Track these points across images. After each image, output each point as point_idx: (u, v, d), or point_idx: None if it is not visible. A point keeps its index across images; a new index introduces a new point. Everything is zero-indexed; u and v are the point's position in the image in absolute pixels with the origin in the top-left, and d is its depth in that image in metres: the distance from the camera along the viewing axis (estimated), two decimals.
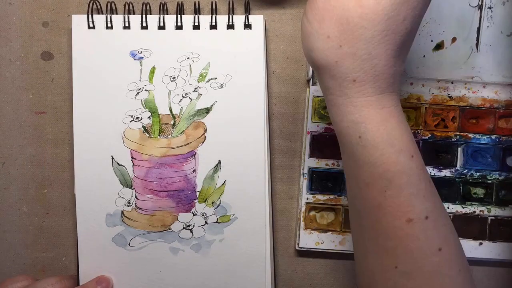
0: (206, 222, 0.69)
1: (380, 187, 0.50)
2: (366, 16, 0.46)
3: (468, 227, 0.72)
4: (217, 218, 0.69)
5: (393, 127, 0.50)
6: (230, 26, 0.69)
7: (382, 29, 0.47)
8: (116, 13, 0.70)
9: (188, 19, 0.69)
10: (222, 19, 0.69)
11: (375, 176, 0.50)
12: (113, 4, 0.70)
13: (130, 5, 0.70)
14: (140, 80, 0.69)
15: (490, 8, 0.70)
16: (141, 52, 0.69)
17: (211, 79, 0.69)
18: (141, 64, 0.69)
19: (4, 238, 0.73)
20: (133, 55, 0.69)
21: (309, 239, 0.71)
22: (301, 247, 0.71)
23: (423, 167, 0.52)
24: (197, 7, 0.70)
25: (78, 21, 0.69)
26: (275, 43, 0.72)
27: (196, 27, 0.69)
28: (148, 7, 0.70)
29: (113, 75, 0.69)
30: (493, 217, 0.71)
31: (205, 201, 0.69)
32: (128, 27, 0.69)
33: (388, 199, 0.50)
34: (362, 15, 0.46)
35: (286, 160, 0.72)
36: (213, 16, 0.69)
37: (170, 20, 0.69)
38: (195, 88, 0.69)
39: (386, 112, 0.50)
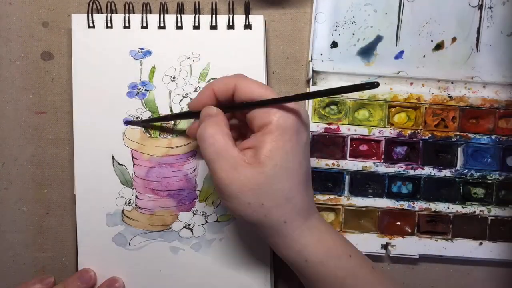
0: (206, 221, 0.69)
1: None
2: (271, 177, 0.55)
3: (468, 227, 0.72)
4: (217, 217, 0.69)
5: (326, 241, 0.59)
6: (230, 26, 0.69)
7: (286, 179, 0.56)
8: (116, 13, 0.70)
9: (188, 19, 0.69)
10: (222, 19, 0.69)
11: (330, 286, 0.58)
12: (113, 4, 0.70)
13: (130, 5, 0.70)
14: (140, 79, 0.69)
15: (490, 8, 0.70)
16: (141, 51, 0.69)
17: (212, 79, 0.69)
18: (141, 63, 0.69)
19: (4, 238, 0.73)
20: (133, 54, 0.69)
21: None
22: None
23: (363, 258, 0.61)
24: (197, 7, 0.70)
25: (78, 20, 0.69)
26: (275, 43, 0.72)
27: (196, 27, 0.69)
28: (148, 7, 0.70)
29: (113, 75, 0.69)
30: (493, 217, 0.72)
31: (205, 201, 0.69)
32: (128, 27, 0.69)
33: None
34: (267, 178, 0.55)
35: None
36: (213, 16, 0.69)
37: (170, 20, 0.69)
38: (196, 88, 0.69)
39: (317, 232, 0.59)
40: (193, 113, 0.63)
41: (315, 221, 0.59)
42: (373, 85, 0.48)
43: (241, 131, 0.64)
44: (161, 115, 0.69)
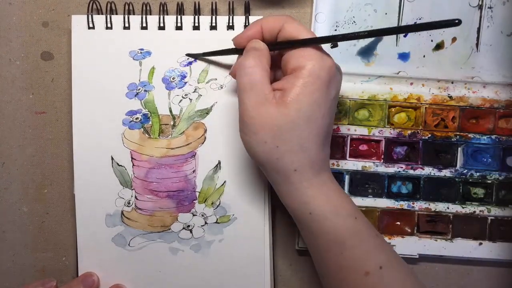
0: (205, 223, 0.69)
1: (337, 250, 0.58)
2: (291, 121, 0.55)
3: (468, 227, 0.72)
4: (217, 219, 0.69)
5: (334, 198, 0.59)
6: (230, 27, 0.69)
7: (307, 127, 0.56)
8: (116, 13, 0.70)
9: (188, 20, 0.69)
10: (222, 20, 0.69)
11: (330, 243, 0.58)
12: (113, 4, 0.70)
13: (130, 5, 0.70)
14: (139, 80, 0.69)
15: (490, 8, 0.70)
16: (141, 52, 0.69)
17: (211, 79, 0.69)
18: (140, 64, 0.69)
19: (4, 238, 0.73)
20: (132, 55, 0.69)
21: None
22: (301, 247, 0.72)
23: (368, 224, 0.60)
24: (197, 7, 0.69)
25: (78, 21, 0.69)
26: None
27: (196, 27, 0.69)
28: (148, 7, 0.70)
29: (112, 75, 0.69)
30: (493, 217, 0.72)
31: (205, 202, 0.69)
32: (128, 28, 0.69)
33: (345, 259, 0.58)
34: (288, 121, 0.55)
35: None
36: (213, 17, 0.69)
37: (170, 20, 0.69)
38: (195, 89, 0.69)
39: (326, 188, 0.59)
40: (236, 50, 0.63)
41: (325, 177, 0.59)
42: (454, 23, 0.48)
43: (276, 76, 0.64)
44: (160, 115, 0.69)
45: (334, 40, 0.57)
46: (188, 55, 0.69)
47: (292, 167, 0.57)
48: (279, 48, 0.60)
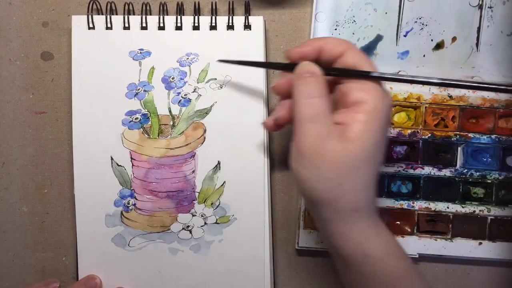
0: (205, 223, 0.69)
1: None
2: (356, 159, 0.53)
3: (468, 226, 0.72)
4: (216, 219, 0.69)
5: (387, 239, 0.57)
6: (230, 27, 0.69)
7: (369, 165, 0.54)
8: (116, 13, 0.70)
9: (188, 20, 0.69)
10: (222, 20, 0.69)
11: (383, 284, 0.55)
12: (113, 4, 0.70)
13: (130, 5, 0.70)
14: (139, 80, 0.69)
15: (490, 7, 0.70)
16: (141, 52, 0.69)
17: (211, 79, 0.69)
18: (140, 64, 0.69)
19: (4, 238, 0.73)
20: (132, 55, 0.69)
21: (309, 239, 0.71)
22: (301, 247, 0.72)
23: (415, 266, 0.58)
24: (197, 7, 0.70)
25: (78, 21, 0.69)
26: (275, 43, 0.72)
27: (196, 27, 0.69)
28: (148, 7, 0.70)
29: (112, 75, 0.69)
30: (492, 217, 0.71)
31: (204, 202, 0.69)
32: (128, 28, 0.69)
33: None
34: (353, 159, 0.53)
35: (286, 160, 0.72)
36: (213, 17, 0.69)
37: (170, 20, 0.69)
38: (195, 89, 0.69)
39: (379, 228, 0.57)
40: (286, 65, 0.60)
41: (377, 218, 0.57)
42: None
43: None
44: (160, 115, 0.69)
45: (398, 80, 0.57)
46: (221, 60, 0.67)
47: (353, 206, 0.54)
48: (337, 75, 0.57)
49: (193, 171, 0.69)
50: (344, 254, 0.56)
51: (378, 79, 0.55)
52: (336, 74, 0.57)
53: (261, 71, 0.69)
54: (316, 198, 0.55)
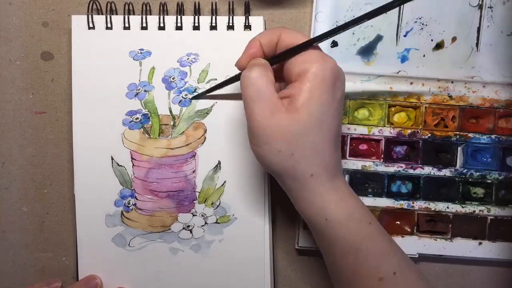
0: (205, 223, 0.69)
1: (352, 256, 0.57)
2: (304, 126, 0.55)
3: (468, 226, 0.72)
4: (217, 219, 0.69)
5: (349, 203, 0.58)
6: (230, 27, 0.69)
7: (319, 131, 0.56)
8: (116, 13, 0.70)
9: (188, 20, 0.69)
10: (222, 20, 0.69)
11: (346, 248, 0.57)
12: (113, 4, 0.70)
13: (130, 5, 0.70)
14: (139, 80, 0.69)
15: (490, 7, 0.70)
16: (141, 52, 0.69)
17: (211, 79, 0.69)
18: (140, 64, 0.69)
19: (4, 238, 0.73)
20: (132, 55, 0.69)
21: (309, 239, 0.71)
22: (301, 246, 0.72)
23: (381, 229, 0.60)
24: (197, 7, 0.69)
25: (78, 21, 0.69)
26: None
27: (196, 27, 0.69)
28: (148, 8, 0.70)
29: (112, 76, 0.69)
30: (492, 217, 0.72)
31: (205, 202, 0.69)
32: (128, 28, 0.69)
33: (360, 264, 0.57)
34: (301, 127, 0.55)
35: None
36: (213, 17, 0.69)
37: (170, 20, 0.69)
38: (195, 89, 0.69)
39: (341, 193, 0.58)
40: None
41: (340, 182, 0.59)
42: None
43: (280, 88, 0.62)
44: (160, 115, 0.69)
45: (327, 35, 0.57)
46: (193, 98, 0.69)
47: (309, 172, 0.56)
48: (279, 60, 0.59)
49: (193, 171, 0.69)
50: (308, 219, 0.59)
51: (310, 43, 0.57)
52: (279, 59, 0.60)
53: None
54: (274, 171, 0.58)
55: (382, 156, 0.71)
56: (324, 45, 0.70)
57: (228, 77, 0.65)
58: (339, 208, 0.57)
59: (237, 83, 0.63)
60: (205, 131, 0.69)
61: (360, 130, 0.71)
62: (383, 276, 0.56)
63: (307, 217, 0.59)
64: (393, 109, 0.71)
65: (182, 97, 0.69)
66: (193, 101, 0.69)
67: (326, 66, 0.56)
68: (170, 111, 0.69)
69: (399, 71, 0.71)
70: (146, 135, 0.69)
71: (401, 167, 0.71)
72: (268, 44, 0.59)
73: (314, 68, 0.55)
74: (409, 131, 0.71)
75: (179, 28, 0.69)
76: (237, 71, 0.62)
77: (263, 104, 0.55)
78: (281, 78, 0.61)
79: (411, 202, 0.71)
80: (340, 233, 0.57)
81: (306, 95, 0.55)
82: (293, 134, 0.55)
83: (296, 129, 0.55)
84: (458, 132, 0.71)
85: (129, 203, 0.69)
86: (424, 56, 0.71)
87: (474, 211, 0.72)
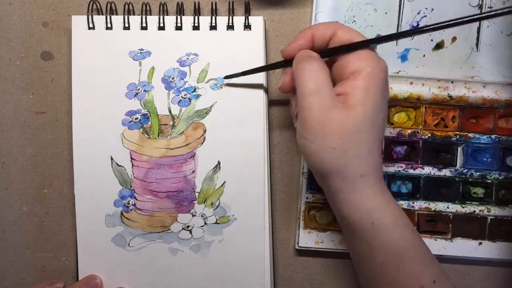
0: (205, 223, 0.69)
1: (394, 263, 0.56)
2: (359, 124, 0.54)
3: (468, 226, 0.72)
4: (216, 219, 0.69)
5: (394, 208, 0.57)
6: (230, 27, 0.69)
7: (372, 130, 0.55)
8: (116, 13, 0.70)
9: (188, 20, 0.69)
10: (222, 20, 0.69)
11: (389, 255, 0.56)
12: (113, 4, 0.70)
13: (130, 5, 0.70)
14: (139, 80, 0.69)
15: (490, 7, 0.70)
16: (141, 52, 0.69)
17: (211, 79, 0.69)
18: (140, 64, 0.69)
19: (4, 238, 0.73)
20: (132, 55, 0.69)
21: (308, 239, 0.71)
22: (301, 247, 0.72)
23: (420, 237, 0.59)
24: (197, 7, 0.70)
25: (78, 22, 0.69)
26: (275, 43, 0.72)
27: (196, 27, 0.69)
28: (148, 8, 0.70)
29: (112, 76, 0.69)
30: (492, 217, 0.72)
31: (204, 202, 0.69)
32: (128, 28, 0.69)
33: (402, 272, 0.56)
34: (356, 125, 0.54)
35: (286, 160, 0.72)
36: (213, 17, 0.69)
37: (170, 20, 0.69)
38: (195, 89, 0.69)
39: (386, 196, 0.57)
40: (286, 62, 0.62)
41: (384, 185, 0.58)
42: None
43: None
44: (159, 115, 0.69)
45: (389, 39, 0.57)
46: (227, 77, 0.69)
47: (360, 172, 0.55)
48: (333, 54, 0.59)
49: (193, 171, 0.69)
50: (352, 223, 0.57)
51: (369, 43, 0.57)
52: (331, 53, 0.59)
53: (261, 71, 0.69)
54: (324, 169, 0.56)
55: (382, 156, 0.71)
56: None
57: (271, 63, 0.65)
58: (386, 212, 0.56)
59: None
60: (205, 131, 0.69)
61: None
62: (424, 284, 0.56)
63: (351, 221, 0.57)
64: (393, 109, 0.71)
65: (182, 97, 0.69)
66: (193, 101, 0.69)
67: (380, 66, 0.56)
68: (170, 111, 0.69)
69: (399, 71, 0.71)
70: (146, 135, 0.69)
71: (401, 167, 0.71)
72: (321, 37, 0.59)
73: (370, 68, 0.55)
74: (409, 131, 0.71)
75: (179, 28, 0.69)
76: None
77: (322, 98, 0.54)
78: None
79: (411, 202, 0.71)
80: (385, 238, 0.56)
81: (362, 93, 0.54)
82: (349, 131, 0.54)
83: (351, 126, 0.54)
84: (458, 132, 0.71)
85: (128, 203, 0.69)
86: (424, 56, 0.71)
87: (474, 211, 0.71)
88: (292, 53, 0.60)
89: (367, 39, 0.57)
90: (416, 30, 0.57)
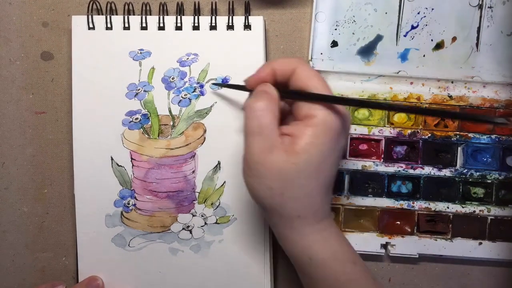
0: (205, 223, 0.69)
1: None
2: (299, 171, 0.54)
3: (468, 226, 0.72)
4: (217, 219, 0.69)
5: (334, 243, 0.58)
6: (230, 27, 0.69)
7: (315, 176, 0.55)
8: (116, 14, 0.70)
9: (188, 20, 0.69)
10: (222, 20, 0.69)
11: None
12: (113, 4, 0.70)
13: (130, 5, 0.70)
14: (139, 80, 0.69)
15: (490, 7, 0.70)
16: (141, 52, 0.69)
17: (211, 79, 0.69)
18: (140, 64, 0.69)
19: (4, 238, 0.73)
20: (132, 55, 0.69)
21: None
22: None
23: (365, 268, 0.60)
24: (197, 7, 0.70)
25: (78, 22, 0.69)
26: (275, 43, 0.72)
27: (196, 27, 0.69)
28: (148, 8, 0.70)
29: (112, 76, 0.69)
30: (492, 217, 0.72)
31: (204, 202, 0.69)
32: (128, 28, 0.69)
33: None
34: (296, 171, 0.54)
35: None
36: (213, 17, 0.69)
37: (170, 20, 0.69)
38: (195, 89, 0.69)
39: (326, 233, 0.58)
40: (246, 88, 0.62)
41: (327, 222, 0.58)
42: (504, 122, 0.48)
43: (283, 115, 0.61)
44: (160, 115, 0.69)
45: (346, 103, 0.57)
46: (215, 84, 0.69)
47: (296, 213, 0.56)
48: (289, 97, 0.59)
49: (193, 171, 0.69)
50: (293, 257, 0.59)
51: (323, 100, 0.55)
52: (289, 97, 0.59)
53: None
54: (262, 205, 0.58)
55: (382, 156, 0.71)
56: (324, 44, 0.71)
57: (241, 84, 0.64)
58: (324, 249, 0.57)
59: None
60: (205, 131, 0.69)
61: (360, 130, 0.71)
62: None
63: (291, 255, 0.60)
64: None
65: (182, 97, 0.69)
66: (193, 100, 0.69)
67: (335, 115, 0.55)
68: (170, 111, 0.69)
69: (399, 71, 0.71)
70: (146, 135, 0.69)
71: (401, 167, 0.71)
72: (283, 73, 0.58)
73: (322, 115, 0.54)
74: (409, 131, 0.71)
75: (179, 28, 0.69)
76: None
77: (262, 139, 0.54)
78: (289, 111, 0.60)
79: (411, 202, 0.71)
80: (324, 273, 0.57)
81: (308, 140, 0.54)
82: (287, 175, 0.54)
83: (291, 171, 0.54)
84: (458, 132, 0.71)
85: (128, 203, 0.69)
86: (424, 56, 0.71)
87: (474, 211, 0.71)
88: (253, 85, 0.59)
89: (320, 94, 0.55)
90: (369, 102, 0.60)
